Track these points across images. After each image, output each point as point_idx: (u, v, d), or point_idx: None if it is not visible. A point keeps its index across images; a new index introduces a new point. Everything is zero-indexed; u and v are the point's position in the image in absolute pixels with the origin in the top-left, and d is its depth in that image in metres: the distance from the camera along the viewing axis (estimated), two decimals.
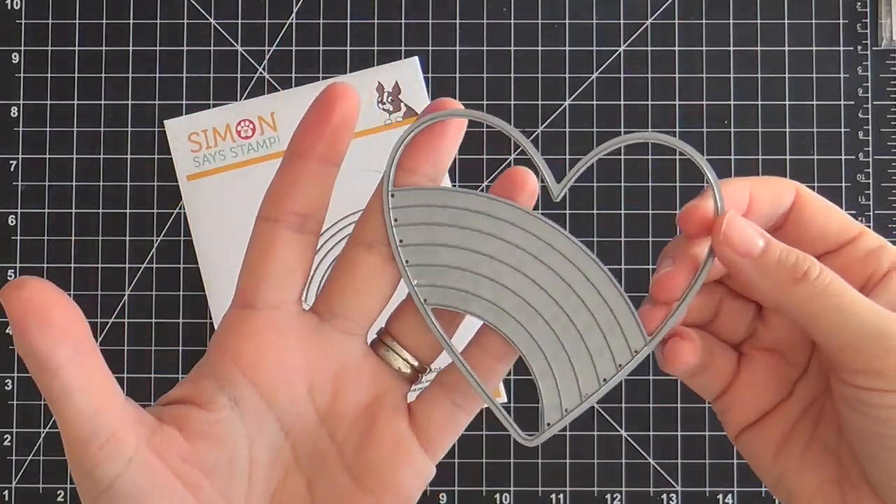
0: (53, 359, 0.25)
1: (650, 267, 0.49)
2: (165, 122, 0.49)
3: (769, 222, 0.29)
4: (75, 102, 0.50)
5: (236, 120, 0.49)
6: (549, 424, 0.29)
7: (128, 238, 0.50)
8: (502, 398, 0.49)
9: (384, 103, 0.49)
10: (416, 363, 0.30)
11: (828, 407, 0.30)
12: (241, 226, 0.48)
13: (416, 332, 0.30)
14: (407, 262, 0.29)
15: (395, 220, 0.29)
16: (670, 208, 0.49)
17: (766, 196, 0.29)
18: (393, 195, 0.29)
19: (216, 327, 0.48)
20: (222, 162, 0.49)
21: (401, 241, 0.29)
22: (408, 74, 0.49)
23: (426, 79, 0.49)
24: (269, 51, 0.50)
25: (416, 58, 0.49)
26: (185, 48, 0.50)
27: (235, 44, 0.50)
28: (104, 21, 0.50)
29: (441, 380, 0.30)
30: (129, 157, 0.50)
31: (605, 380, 0.29)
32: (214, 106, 0.50)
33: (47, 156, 0.50)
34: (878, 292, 0.28)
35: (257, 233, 0.29)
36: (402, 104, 0.49)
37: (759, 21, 0.50)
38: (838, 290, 0.27)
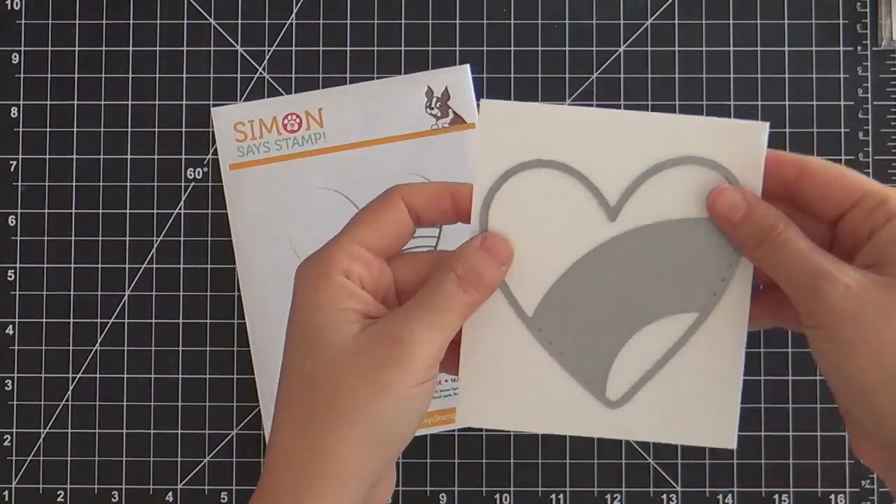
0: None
1: None
2: (212, 109, 0.49)
3: (784, 191, 0.34)
4: (75, 102, 0.50)
5: (283, 113, 0.49)
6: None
7: (128, 238, 0.50)
8: None
9: (432, 108, 0.49)
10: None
11: None
12: (280, 219, 0.49)
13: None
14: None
15: None
16: None
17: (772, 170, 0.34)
18: None
19: (247, 318, 0.48)
20: (266, 154, 0.49)
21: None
22: (459, 81, 0.49)
23: None
24: (269, 51, 0.50)
25: (467, 65, 0.49)
26: (185, 48, 0.50)
27: (235, 44, 0.50)
28: (104, 21, 0.50)
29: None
30: (129, 157, 0.50)
31: None
32: (215, 106, 0.50)
33: (47, 156, 0.50)
34: (868, 246, 0.33)
35: None
36: (450, 110, 0.49)
37: (759, 21, 0.50)
38: (786, 239, 0.32)
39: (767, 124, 0.34)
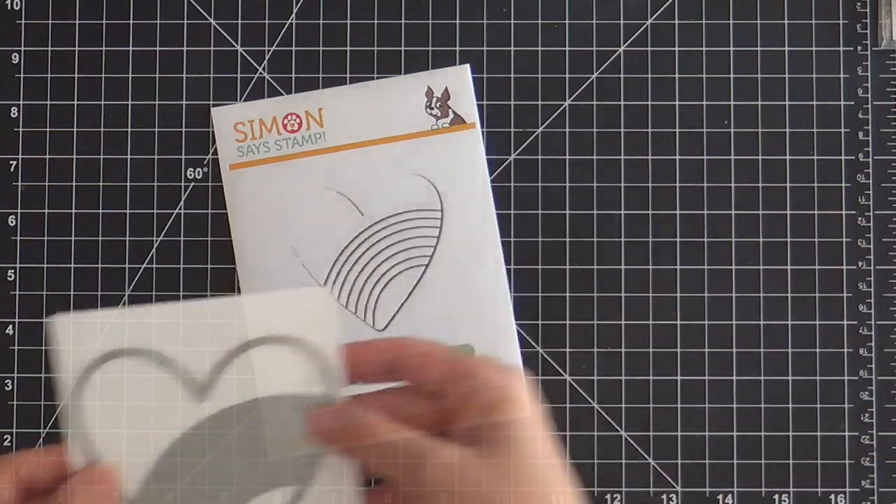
0: None
1: None
2: (212, 109, 0.49)
3: (389, 374, 0.35)
4: (75, 102, 0.50)
5: (283, 113, 0.49)
6: None
7: (128, 238, 0.50)
8: None
9: (432, 108, 0.49)
10: None
11: None
12: (280, 219, 0.49)
13: None
14: None
15: None
16: None
17: (368, 359, 0.36)
18: None
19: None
20: (266, 154, 0.49)
21: None
22: (458, 81, 0.49)
23: None
24: (269, 51, 0.50)
25: (467, 65, 0.49)
26: (185, 48, 0.50)
27: (235, 44, 0.50)
28: (104, 21, 0.50)
29: None
30: (128, 157, 0.50)
31: None
32: (215, 106, 0.50)
33: (47, 156, 0.50)
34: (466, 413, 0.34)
35: None
36: (450, 110, 0.49)
37: (759, 21, 0.50)
38: (384, 429, 0.33)
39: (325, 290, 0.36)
